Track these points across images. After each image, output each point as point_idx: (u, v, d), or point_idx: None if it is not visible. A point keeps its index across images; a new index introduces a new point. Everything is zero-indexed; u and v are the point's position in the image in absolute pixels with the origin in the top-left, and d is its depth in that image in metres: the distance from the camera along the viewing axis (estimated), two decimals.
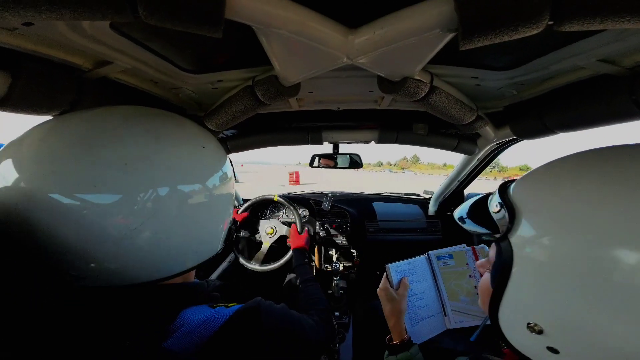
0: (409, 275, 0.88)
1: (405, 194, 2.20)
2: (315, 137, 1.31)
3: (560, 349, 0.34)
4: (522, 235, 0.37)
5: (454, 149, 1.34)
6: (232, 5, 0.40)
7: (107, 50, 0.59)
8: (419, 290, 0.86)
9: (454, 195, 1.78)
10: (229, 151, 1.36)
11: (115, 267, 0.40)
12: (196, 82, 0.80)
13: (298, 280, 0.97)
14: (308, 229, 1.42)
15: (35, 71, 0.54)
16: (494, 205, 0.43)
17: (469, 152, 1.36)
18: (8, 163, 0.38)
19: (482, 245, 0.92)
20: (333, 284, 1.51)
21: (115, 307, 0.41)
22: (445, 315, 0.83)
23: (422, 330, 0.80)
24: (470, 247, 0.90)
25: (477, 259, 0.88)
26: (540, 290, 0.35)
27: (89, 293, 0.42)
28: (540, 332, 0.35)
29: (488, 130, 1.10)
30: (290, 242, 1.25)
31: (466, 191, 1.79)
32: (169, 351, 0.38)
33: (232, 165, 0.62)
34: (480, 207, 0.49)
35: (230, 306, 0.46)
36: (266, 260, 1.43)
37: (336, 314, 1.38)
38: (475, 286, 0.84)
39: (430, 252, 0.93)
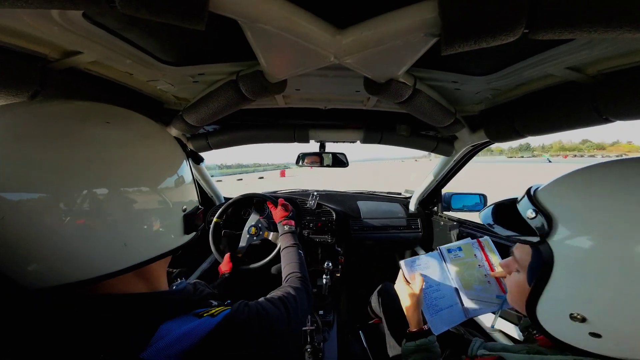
0: (424, 269, 0.92)
1: (388, 192, 2.26)
2: (302, 135, 1.30)
3: (602, 334, 0.38)
4: (561, 237, 0.41)
5: (433, 150, 1.39)
6: None
7: (78, 40, 0.54)
8: (435, 282, 0.91)
9: (432, 194, 1.85)
10: (209, 147, 1.32)
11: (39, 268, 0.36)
12: (175, 74, 0.76)
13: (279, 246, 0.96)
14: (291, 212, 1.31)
15: None
16: (529, 212, 0.45)
17: (447, 154, 1.42)
18: None
19: (485, 237, 0.99)
20: (323, 283, 1.51)
21: (85, 322, 0.38)
22: (463, 305, 0.87)
23: (442, 321, 0.84)
24: (475, 240, 0.97)
25: (482, 250, 0.95)
26: (582, 284, 0.39)
27: (53, 307, 0.38)
28: (583, 320, 0.39)
29: (465, 132, 1.16)
30: (275, 218, 1.21)
31: (443, 190, 1.87)
32: None
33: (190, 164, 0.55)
34: (503, 212, 0.52)
35: (217, 315, 0.44)
36: (246, 259, 1.40)
37: (320, 312, 1.38)
38: (485, 275, 0.90)
39: (440, 247, 0.99)
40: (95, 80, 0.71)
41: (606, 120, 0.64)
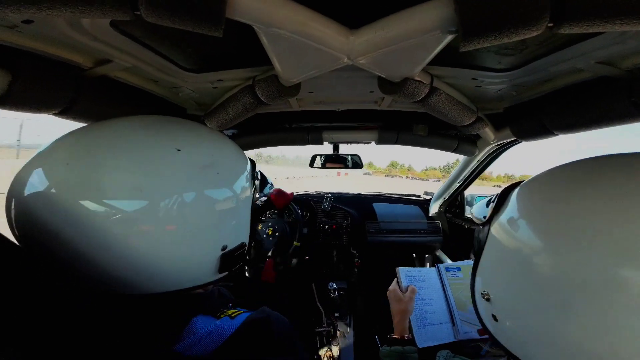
0: (419, 282, 0.93)
1: (406, 194, 2.20)
2: (316, 137, 1.31)
3: (498, 317, 0.43)
4: (499, 221, 0.47)
5: (454, 150, 1.34)
6: (233, 5, 0.40)
7: (107, 49, 0.59)
8: (428, 296, 0.91)
9: (454, 196, 1.78)
10: None
11: (140, 277, 0.41)
12: (196, 81, 0.80)
13: None
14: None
15: (35, 69, 0.54)
16: (492, 198, 0.52)
17: (469, 154, 1.36)
18: (39, 172, 0.39)
19: None
20: (333, 288, 1.49)
21: (128, 312, 0.41)
22: (454, 325, 0.86)
23: (429, 335, 0.83)
24: None
25: None
26: (495, 265, 0.45)
27: (101, 298, 0.42)
28: (488, 299, 0.45)
29: (488, 131, 1.11)
30: (263, 272, 1.16)
31: (466, 192, 1.79)
32: (180, 354, 0.38)
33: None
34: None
35: (235, 316, 0.46)
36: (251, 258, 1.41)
37: (337, 314, 1.37)
38: None
39: (439, 265, 0.99)
40: (125, 87, 0.77)
41: None
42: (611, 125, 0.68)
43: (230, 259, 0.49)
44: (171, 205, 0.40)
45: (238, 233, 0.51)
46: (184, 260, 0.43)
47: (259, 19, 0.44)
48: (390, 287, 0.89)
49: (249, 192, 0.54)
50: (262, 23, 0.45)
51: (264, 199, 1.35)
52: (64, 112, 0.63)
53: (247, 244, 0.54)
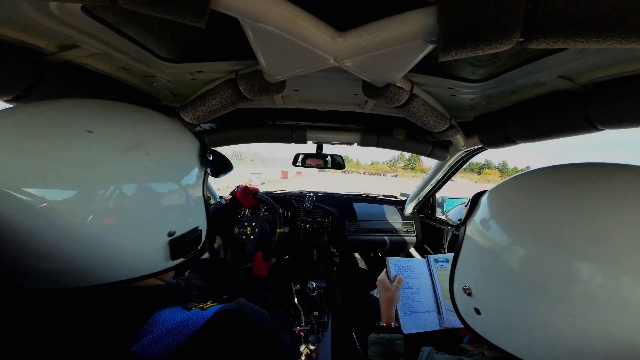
0: (407, 271, 0.96)
1: (384, 195, 2.27)
2: (299, 136, 1.30)
3: (481, 310, 0.46)
4: (473, 222, 0.53)
5: (429, 155, 1.41)
6: None
7: (75, 34, 0.54)
8: (415, 285, 0.94)
9: (427, 198, 1.87)
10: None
11: (73, 268, 0.37)
12: (173, 71, 0.76)
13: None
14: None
15: None
16: (465, 202, 0.58)
17: (441, 158, 1.44)
18: None
19: None
20: (313, 286, 1.49)
21: (80, 309, 0.38)
22: (440, 314, 0.90)
23: (415, 322, 0.86)
24: None
25: None
26: (474, 261, 0.50)
27: (51, 294, 0.38)
28: (469, 294, 0.48)
29: (459, 138, 1.18)
30: (254, 267, 1.11)
31: (438, 194, 1.89)
32: (137, 355, 0.35)
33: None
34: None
35: (207, 308, 0.43)
36: (236, 258, 1.38)
37: (315, 313, 1.37)
38: None
39: (429, 256, 1.03)
40: (91, 74, 0.70)
41: (595, 128, 0.66)
42: (566, 135, 0.75)
43: (181, 245, 0.46)
44: (88, 194, 0.36)
45: (187, 218, 0.49)
46: (121, 250, 0.40)
47: (245, 12, 0.43)
48: (380, 277, 0.92)
49: (196, 174, 0.51)
50: (248, 17, 0.44)
51: (229, 197, 1.37)
52: (18, 99, 0.57)
53: (203, 229, 0.52)
